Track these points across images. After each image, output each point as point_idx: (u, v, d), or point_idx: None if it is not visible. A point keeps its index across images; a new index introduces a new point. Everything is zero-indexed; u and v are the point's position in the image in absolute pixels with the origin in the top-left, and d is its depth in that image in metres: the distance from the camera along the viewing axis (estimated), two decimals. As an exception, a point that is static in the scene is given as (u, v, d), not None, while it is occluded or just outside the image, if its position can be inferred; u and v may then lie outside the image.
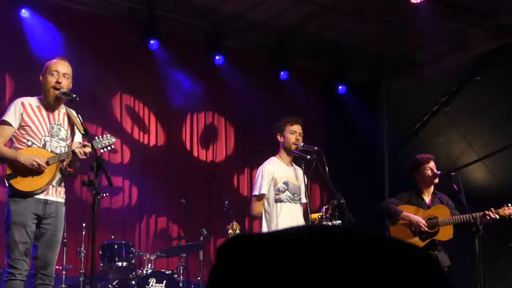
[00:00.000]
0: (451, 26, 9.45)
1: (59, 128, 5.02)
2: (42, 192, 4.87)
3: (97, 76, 8.59)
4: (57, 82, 4.94)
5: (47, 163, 4.83)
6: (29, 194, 4.83)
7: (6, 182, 4.84)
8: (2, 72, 8.25)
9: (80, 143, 5.11)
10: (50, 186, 4.91)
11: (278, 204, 6.03)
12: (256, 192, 6.11)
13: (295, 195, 6.13)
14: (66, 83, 4.98)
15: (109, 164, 7.99)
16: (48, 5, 8.47)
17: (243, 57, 10.02)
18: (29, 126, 4.90)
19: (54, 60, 5.06)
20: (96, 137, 5.12)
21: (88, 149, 4.83)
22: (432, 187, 6.62)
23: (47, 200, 4.90)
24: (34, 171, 4.80)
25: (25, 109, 4.94)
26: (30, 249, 4.82)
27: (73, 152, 4.85)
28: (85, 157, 4.87)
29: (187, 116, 9.68)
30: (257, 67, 10.10)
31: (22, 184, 4.82)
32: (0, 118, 5.01)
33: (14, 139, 4.93)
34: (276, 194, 6.06)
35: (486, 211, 6.25)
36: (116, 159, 8.86)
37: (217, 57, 9.51)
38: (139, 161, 9.18)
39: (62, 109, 5.10)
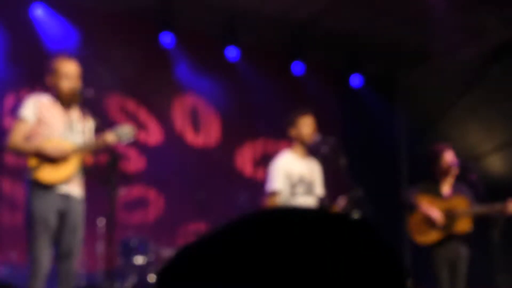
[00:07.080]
0: (468, 16, 9.35)
1: (74, 123, 5.01)
2: (66, 183, 4.85)
3: (109, 72, 8.59)
4: (75, 87, 4.96)
5: (74, 152, 4.85)
6: (53, 187, 4.80)
7: (30, 176, 4.78)
8: (16, 69, 8.28)
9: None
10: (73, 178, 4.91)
11: (292, 198, 5.93)
12: (269, 188, 6.02)
13: (309, 189, 6.06)
14: (79, 83, 5.01)
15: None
16: (61, 0, 8.48)
17: (258, 51, 10.00)
18: (47, 122, 4.90)
19: (63, 62, 5.03)
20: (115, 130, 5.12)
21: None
22: (452, 178, 6.53)
23: (67, 195, 4.88)
24: (60, 161, 4.79)
25: (41, 104, 4.94)
26: (52, 245, 4.80)
27: (105, 140, 4.91)
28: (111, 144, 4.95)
29: (196, 110, 9.69)
30: (273, 60, 10.07)
31: (48, 175, 4.78)
32: (17, 113, 5.00)
33: (31, 134, 4.89)
34: (290, 189, 5.97)
35: (506, 205, 6.15)
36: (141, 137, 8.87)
37: (232, 52, 9.50)
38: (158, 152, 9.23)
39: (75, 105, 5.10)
